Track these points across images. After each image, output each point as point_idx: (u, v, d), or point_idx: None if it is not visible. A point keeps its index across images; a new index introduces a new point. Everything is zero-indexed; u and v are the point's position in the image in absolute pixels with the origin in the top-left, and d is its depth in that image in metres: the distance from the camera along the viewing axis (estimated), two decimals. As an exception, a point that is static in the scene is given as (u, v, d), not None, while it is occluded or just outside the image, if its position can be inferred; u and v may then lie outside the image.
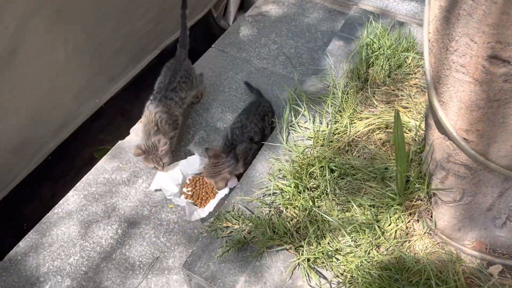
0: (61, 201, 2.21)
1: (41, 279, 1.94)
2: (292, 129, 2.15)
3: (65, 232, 2.09)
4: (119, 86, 2.65)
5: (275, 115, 2.44)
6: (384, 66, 2.35)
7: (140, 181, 2.28)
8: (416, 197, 1.80)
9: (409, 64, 2.39)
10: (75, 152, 3.08)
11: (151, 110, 2.26)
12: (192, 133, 2.49)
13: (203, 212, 2.08)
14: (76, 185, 2.27)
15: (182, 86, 2.36)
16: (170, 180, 2.21)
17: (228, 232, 1.82)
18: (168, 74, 2.37)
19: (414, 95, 2.23)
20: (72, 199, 2.21)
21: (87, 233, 2.08)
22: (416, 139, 2.01)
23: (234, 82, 2.73)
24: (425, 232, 1.75)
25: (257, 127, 2.23)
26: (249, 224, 1.82)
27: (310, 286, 1.67)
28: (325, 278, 1.68)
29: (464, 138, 1.41)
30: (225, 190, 2.14)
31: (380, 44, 2.42)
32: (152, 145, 2.15)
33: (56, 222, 2.13)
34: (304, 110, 2.18)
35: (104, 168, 2.34)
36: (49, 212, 2.17)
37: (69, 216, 2.15)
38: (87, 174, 2.32)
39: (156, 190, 2.23)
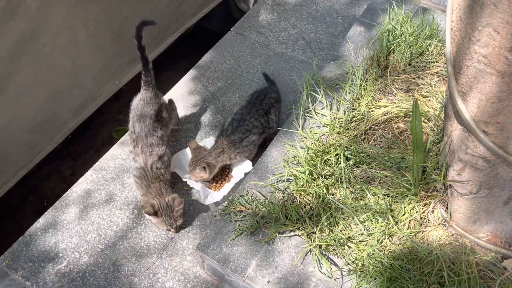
0: (80, 180, 2.26)
1: (59, 254, 2.00)
2: (309, 116, 2.14)
3: (83, 210, 2.14)
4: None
5: (292, 102, 2.42)
6: (405, 53, 2.31)
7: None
8: (432, 188, 1.79)
9: (431, 52, 2.34)
10: (95, 131, 3.14)
11: (145, 166, 2.03)
12: (209, 116, 2.50)
13: (217, 195, 2.11)
14: (95, 164, 2.32)
15: (155, 126, 2.11)
16: (185, 162, 2.23)
17: (241, 216, 1.84)
18: (136, 121, 2.11)
19: (434, 84, 2.19)
20: (90, 178, 2.26)
21: (104, 212, 2.13)
22: (435, 129, 1.98)
23: (252, 67, 2.72)
24: (439, 224, 1.74)
25: (258, 122, 2.18)
26: (262, 209, 1.83)
27: (321, 272, 1.68)
28: (336, 265, 1.69)
29: (483, 130, 1.38)
30: (240, 175, 2.16)
31: (402, 31, 2.37)
32: (166, 206, 1.94)
33: (74, 200, 2.18)
34: (322, 97, 2.16)
35: (122, 149, 2.38)
36: (68, 190, 2.22)
37: (87, 195, 2.20)
38: (105, 154, 2.36)
39: (171, 173, 2.26)
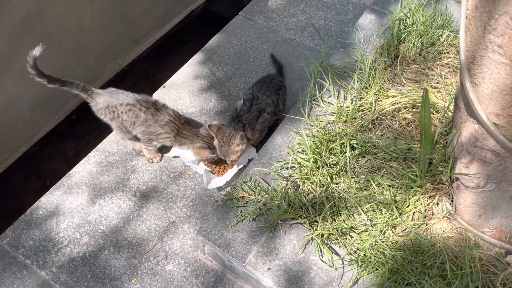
0: (82, 160, 2.25)
1: (60, 234, 2.00)
2: (315, 103, 2.11)
3: (85, 191, 2.14)
4: (142, 48, 2.64)
5: (299, 90, 2.39)
6: (416, 43, 2.26)
7: (160, 147, 2.29)
8: (438, 180, 1.76)
9: (443, 42, 2.29)
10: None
11: (173, 114, 2.14)
12: (214, 101, 2.47)
13: (220, 180, 2.09)
14: (98, 145, 2.31)
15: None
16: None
17: (243, 202, 1.83)
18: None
19: (445, 75, 2.15)
20: (93, 159, 2.25)
21: (106, 193, 2.13)
22: (444, 121, 1.95)
23: (259, 52, 2.68)
24: (444, 216, 1.72)
25: (270, 99, 2.18)
26: (265, 195, 1.81)
27: (322, 261, 1.67)
28: (337, 254, 1.67)
29: (494, 123, 1.35)
30: (244, 161, 2.14)
31: (413, 20, 2.32)
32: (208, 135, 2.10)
33: (77, 181, 2.17)
34: (329, 85, 2.13)
35: (125, 131, 2.36)
36: (71, 171, 2.21)
37: (89, 176, 2.19)
38: (109, 135, 2.35)
39: (174, 157, 2.25)
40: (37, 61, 1.87)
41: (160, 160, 2.23)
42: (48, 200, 2.11)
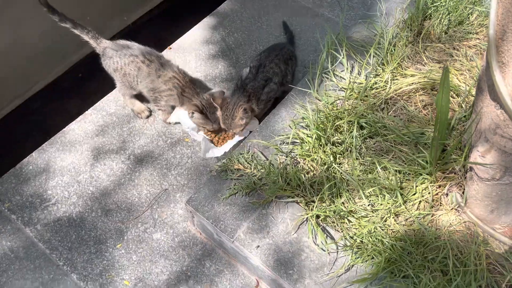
0: (78, 118, 2.17)
1: (48, 191, 1.93)
2: (326, 77, 1.96)
3: (79, 150, 2.05)
4: (151, 5, 2.51)
5: (311, 62, 2.24)
6: (442, 20, 2.08)
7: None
8: (450, 169, 1.62)
9: (472, 22, 2.10)
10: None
11: (177, 71, 2.05)
12: (220, 67, 2.34)
13: (218, 151, 1.98)
14: (96, 104, 2.21)
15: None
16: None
17: (238, 175, 1.72)
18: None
19: (471, 57, 1.97)
20: (90, 118, 2.16)
21: (100, 154, 2.04)
22: (463, 105, 1.79)
23: (274, 19, 2.52)
24: (452, 208, 1.58)
25: (278, 68, 2.04)
26: (261, 170, 1.70)
27: (315, 243, 1.56)
28: (332, 238, 1.56)
29: (520, 108, 1.19)
30: (245, 133, 2.02)
31: (442, -6, 2.13)
32: (207, 103, 1.98)
33: (71, 138, 2.09)
34: (343, 58, 1.97)
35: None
36: (66, 127, 2.13)
37: (84, 134, 2.11)
38: (108, 94, 2.25)
39: (175, 123, 2.14)
40: None
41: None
42: (40, 155, 2.04)
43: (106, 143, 2.07)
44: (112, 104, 2.21)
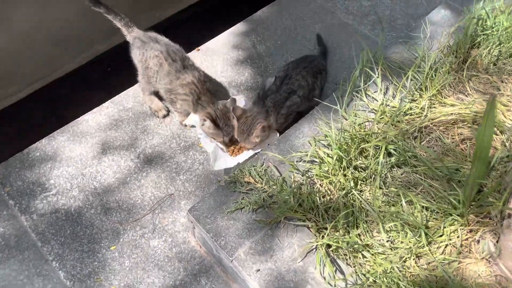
0: (94, 109, 2.09)
1: (51, 181, 1.84)
2: (356, 96, 1.82)
3: (89, 142, 1.97)
4: (186, 3, 2.44)
5: (342, 79, 2.10)
6: (492, 50, 1.91)
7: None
8: (485, 213, 1.43)
9: (526, 55, 1.92)
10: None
11: (198, 78, 1.95)
12: (247, 75, 2.23)
13: (231, 161, 1.86)
14: (114, 97, 2.14)
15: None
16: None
17: (247, 188, 1.58)
18: None
19: (520, 93, 1.79)
20: (106, 111, 2.09)
21: (109, 149, 1.95)
22: (507, 144, 1.60)
23: (309, 32, 2.40)
24: (483, 258, 1.39)
25: (304, 81, 1.90)
26: (273, 186, 1.56)
27: (322, 276, 1.40)
28: (342, 272, 1.39)
29: None
30: (263, 146, 1.89)
31: (495, 22, 1.96)
32: (221, 114, 1.88)
33: (83, 129, 2.02)
34: (377, 77, 1.82)
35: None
36: (80, 117, 2.06)
37: (97, 126, 2.03)
38: (128, 89, 2.17)
39: (192, 126, 2.03)
40: None
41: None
42: (49, 143, 1.97)
43: (118, 139, 1.98)
44: (130, 99, 2.13)
